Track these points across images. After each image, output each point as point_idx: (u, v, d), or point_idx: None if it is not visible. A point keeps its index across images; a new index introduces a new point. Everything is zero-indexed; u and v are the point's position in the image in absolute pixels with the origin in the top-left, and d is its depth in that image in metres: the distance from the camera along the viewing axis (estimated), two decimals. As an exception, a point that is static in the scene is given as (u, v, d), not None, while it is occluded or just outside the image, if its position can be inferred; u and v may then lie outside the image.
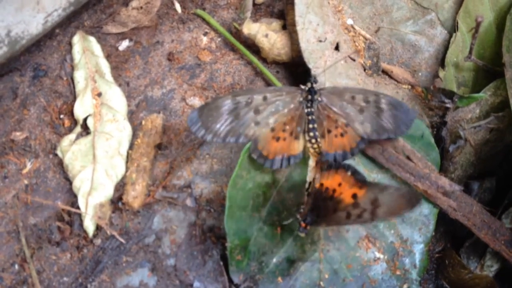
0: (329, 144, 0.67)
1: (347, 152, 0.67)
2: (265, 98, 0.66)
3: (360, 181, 0.62)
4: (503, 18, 0.77)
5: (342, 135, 0.67)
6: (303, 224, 0.62)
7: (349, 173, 0.63)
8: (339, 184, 0.63)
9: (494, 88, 0.74)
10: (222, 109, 0.65)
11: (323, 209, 0.63)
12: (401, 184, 0.69)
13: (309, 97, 0.67)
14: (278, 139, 0.66)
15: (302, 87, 0.68)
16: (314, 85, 0.68)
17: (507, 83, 0.70)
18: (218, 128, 0.65)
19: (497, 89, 0.74)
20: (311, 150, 0.67)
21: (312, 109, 0.67)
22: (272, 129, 0.66)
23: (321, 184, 0.63)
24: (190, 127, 0.64)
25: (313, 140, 0.67)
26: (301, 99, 0.67)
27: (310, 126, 0.67)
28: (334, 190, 0.63)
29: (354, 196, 0.62)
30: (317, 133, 0.67)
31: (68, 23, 0.77)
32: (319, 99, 0.67)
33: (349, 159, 0.67)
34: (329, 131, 0.67)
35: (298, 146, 0.67)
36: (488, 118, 0.73)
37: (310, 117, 0.67)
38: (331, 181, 0.63)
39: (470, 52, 0.73)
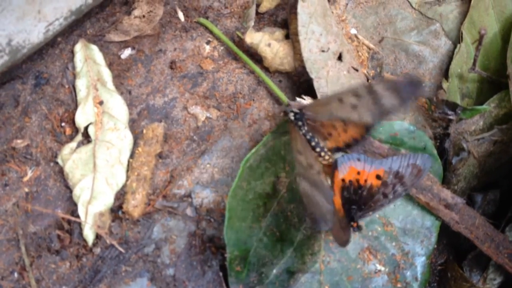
0: (336, 141, 0.65)
1: (357, 139, 0.65)
2: (299, 152, 0.64)
3: (372, 163, 0.63)
4: (509, 29, 0.77)
5: (345, 131, 0.65)
6: (354, 224, 0.62)
7: (359, 160, 0.63)
8: (358, 173, 0.63)
9: (498, 100, 0.73)
10: None
11: (361, 199, 0.63)
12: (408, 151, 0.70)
13: (299, 123, 0.65)
14: None
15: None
16: (294, 109, 0.66)
17: (511, 95, 0.70)
18: None
19: (502, 101, 0.73)
20: (325, 163, 0.66)
21: (305, 128, 0.66)
22: None
23: (343, 180, 0.63)
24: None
25: (323, 153, 0.65)
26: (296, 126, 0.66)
27: (313, 143, 0.65)
28: (357, 180, 0.64)
29: (378, 176, 0.64)
30: (321, 144, 0.65)
31: (70, 32, 0.77)
32: (306, 117, 0.66)
33: (362, 144, 0.67)
34: (330, 135, 0.66)
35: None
36: (492, 130, 0.72)
37: (307, 137, 0.65)
38: (349, 173, 0.64)
39: (474, 64, 0.73)
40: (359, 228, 0.63)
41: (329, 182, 0.64)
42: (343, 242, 0.61)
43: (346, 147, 0.65)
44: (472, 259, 0.72)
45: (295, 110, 0.66)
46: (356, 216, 0.63)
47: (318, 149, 0.65)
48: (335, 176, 0.63)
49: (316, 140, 0.65)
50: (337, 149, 0.66)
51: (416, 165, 0.64)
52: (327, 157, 0.65)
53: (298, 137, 0.65)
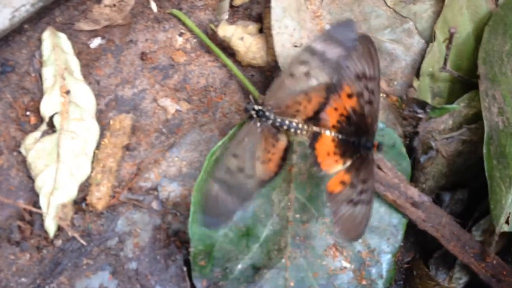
0: (305, 113, 0.64)
1: (324, 102, 0.64)
2: (235, 155, 0.64)
3: (334, 90, 0.64)
4: (482, 29, 0.77)
5: (309, 101, 0.64)
6: (374, 148, 0.63)
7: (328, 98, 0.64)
8: (336, 109, 0.64)
9: (468, 99, 0.73)
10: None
11: (361, 126, 0.64)
12: None
13: (263, 118, 0.64)
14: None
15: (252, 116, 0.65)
16: (255, 107, 0.64)
17: (480, 96, 0.70)
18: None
19: (471, 100, 0.73)
20: (305, 138, 0.64)
21: (273, 117, 0.64)
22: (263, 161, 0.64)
23: (333, 126, 0.64)
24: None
25: (298, 130, 0.64)
26: (259, 123, 0.65)
27: (285, 126, 0.64)
28: (342, 114, 0.64)
29: (349, 95, 0.63)
30: (294, 123, 0.64)
31: (38, 19, 0.76)
32: (270, 108, 0.65)
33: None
34: (297, 111, 0.64)
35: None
36: (461, 129, 0.72)
37: (277, 123, 0.64)
38: (331, 116, 0.64)
39: (445, 63, 0.73)
40: (380, 147, 0.63)
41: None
42: (356, 236, 0.61)
43: (316, 114, 0.64)
44: (438, 257, 0.72)
45: (256, 107, 0.64)
46: (369, 141, 0.63)
47: (293, 129, 0.64)
48: (322, 143, 0.63)
49: (287, 121, 0.64)
50: (309, 119, 0.65)
51: (362, 51, 0.63)
52: (304, 130, 0.64)
53: (251, 137, 0.64)
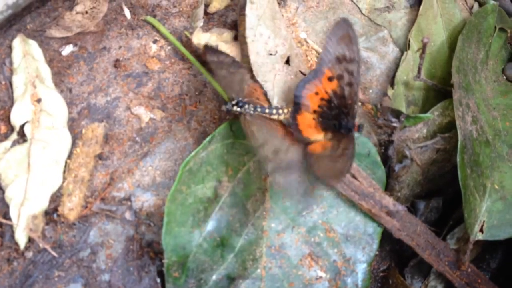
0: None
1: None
2: (263, 145, 0.64)
3: (315, 75, 0.66)
4: (456, 37, 0.78)
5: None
6: (355, 128, 0.65)
7: (307, 87, 0.66)
8: (317, 93, 0.66)
9: (442, 108, 0.74)
10: None
11: (341, 108, 0.66)
12: None
13: (245, 106, 0.65)
14: None
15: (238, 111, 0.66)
16: (232, 101, 0.65)
17: (454, 104, 0.70)
18: None
19: (445, 109, 0.74)
20: (286, 116, 0.66)
21: (252, 106, 0.65)
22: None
23: (314, 111, 0.66)
24: None
25: (280, 110, 0.66)
26: (248, 114, 0.65)
27: (266, 110, 0.65)
28: (323, 98, 0.66)
29: (330, 78, 0.66)
30: (273, 106, 0.66)
31: (8, 26, 0.74)
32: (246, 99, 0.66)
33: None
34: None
35: None
36: (435, 138, 0.73)
37: (258, 109, 0.65)
38: (312, 101, 0.66)
39: (419, 72, 0.73)
40: (360, 127, 0.65)
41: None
42: (340, 174, 0.62)
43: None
44: (413, 266, 0.72)
45: (233, 101, 0.65)
46: (349, 122, 0.64)
47: (274, 111, 0.66)
48: (304, 117, 0.64)
49: (266, 107, 0.66)
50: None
51: (342, 35, 0.65)
52: (285, 111, 0.66)
53: (256, 123, 0.65)
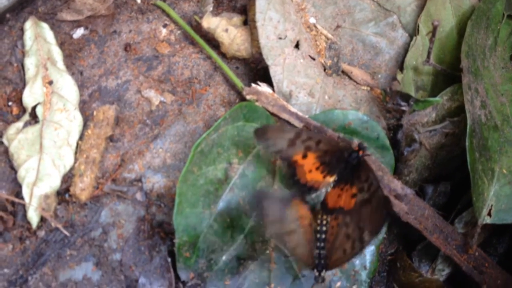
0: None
1: None
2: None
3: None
4: (465, 23, 0.78)
5: None
6: None
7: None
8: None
9: (451, 93, 0.74)
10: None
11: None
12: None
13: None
14: None
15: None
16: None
17: (463, 89, 0.70)
18: None
19: (454, 94, 0.74)
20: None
21: None
22: None
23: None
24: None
25: None
26: None
27: None
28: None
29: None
30: None
31: (20, 9, 0.75)
32: None
33: None
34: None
35: None
36: (444, 122, 0.73)
37: None
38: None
39: (428, 56, 0.73)
40: (362, 147, 0.63)
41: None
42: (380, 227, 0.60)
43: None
44: (421, 249, 0.72)
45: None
46: (353, 154, 0.63)
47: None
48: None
49: None
50: None
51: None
52: None
53: None
